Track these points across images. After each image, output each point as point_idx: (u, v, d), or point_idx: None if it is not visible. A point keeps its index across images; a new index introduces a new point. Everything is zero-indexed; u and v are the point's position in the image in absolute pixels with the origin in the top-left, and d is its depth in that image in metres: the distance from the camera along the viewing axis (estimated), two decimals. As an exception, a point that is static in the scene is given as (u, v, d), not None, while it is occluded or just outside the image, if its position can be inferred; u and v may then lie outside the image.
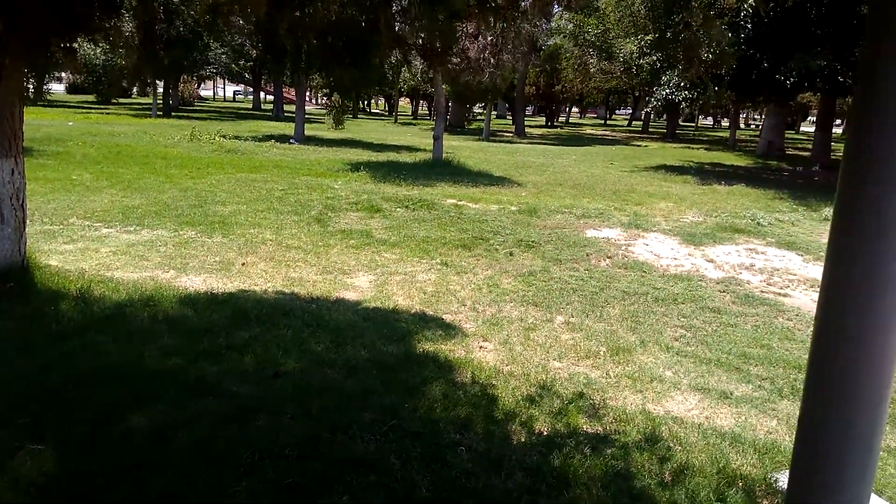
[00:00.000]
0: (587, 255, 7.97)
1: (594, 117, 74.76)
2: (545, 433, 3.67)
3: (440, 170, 15.70)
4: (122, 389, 3.91)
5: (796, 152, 30.69)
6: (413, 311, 5.76)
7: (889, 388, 1.63)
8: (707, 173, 19.11)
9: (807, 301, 6.85)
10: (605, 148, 28.48)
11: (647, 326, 5.68)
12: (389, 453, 3.33)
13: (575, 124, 58.15)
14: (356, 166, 15.27)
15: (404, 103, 65.40)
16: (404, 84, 44.63)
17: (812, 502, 1.58)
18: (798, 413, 4.05)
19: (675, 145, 32.96)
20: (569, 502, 2.99)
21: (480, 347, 5.00)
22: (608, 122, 64.00)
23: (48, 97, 34.34)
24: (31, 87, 6.46)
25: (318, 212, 9.74)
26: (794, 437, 3.87)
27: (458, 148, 22.97)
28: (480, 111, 47.19)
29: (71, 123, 23.43)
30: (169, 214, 9.07)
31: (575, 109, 68.67)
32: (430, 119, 52.25)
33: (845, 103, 30.11)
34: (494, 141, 29.87)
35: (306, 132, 23.40)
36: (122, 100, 45.72)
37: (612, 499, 3.04)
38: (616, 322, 5.75)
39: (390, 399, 3.94)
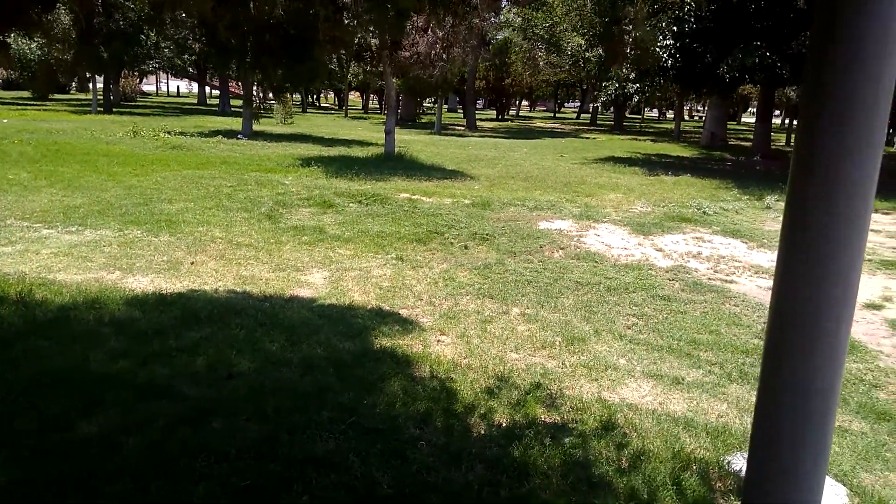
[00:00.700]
0: (541, 247, 8.05)
1: (543, 110, 75.51)
2: (504, 425, 3.70)
3: (393, 164, 15.61)
4: (69, 396, 3.77)
5: (738, 143, 31.63)
6: (369, 306, 5.72)
7: (840, 373, 1.68)
8: (654, 164, 19.52)
9: (752, 287, 7.06)
10: (555, 140, 28.80)
11: (600, 316, 5.77)
12: (349, 451, 3.30)
13: (525, 117, 58.66)
14: (307, 161, 15.06)
15: (354, 97, 64.82)
16: (354, 78, 44.22)
17: (769, 487, 1.62)
18: (752, 398, 4.19)
19: (622, 137, 33.57)
20: (529, 493, 3.02)
21: (438, 341, 5.00)
22: (557, 115, 64.75)
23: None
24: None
25: (269, 208, 9.58)
26: (743, 420, 4.00)
27: (411, 142, 22.88)
28: (431, 105, 47.15)
29: (6, 121, 22.46)
30: (113, 213, 8.79)
31: (525, 103, 69.23)
32: (380, 113, 51.94)
33: (784, 94, 31.13)
34: (446, 135, 29.88)
35: (254, 127, 22.96)
36: (60, 96, 44.00)
37: (571, 487, 3.08)
38: (570, 312, 5.82)
39: (348, 396, 3.90)
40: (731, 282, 7.21)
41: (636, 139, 32.55)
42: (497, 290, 6.33)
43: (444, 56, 14.96)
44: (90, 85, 34.47)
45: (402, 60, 14.73)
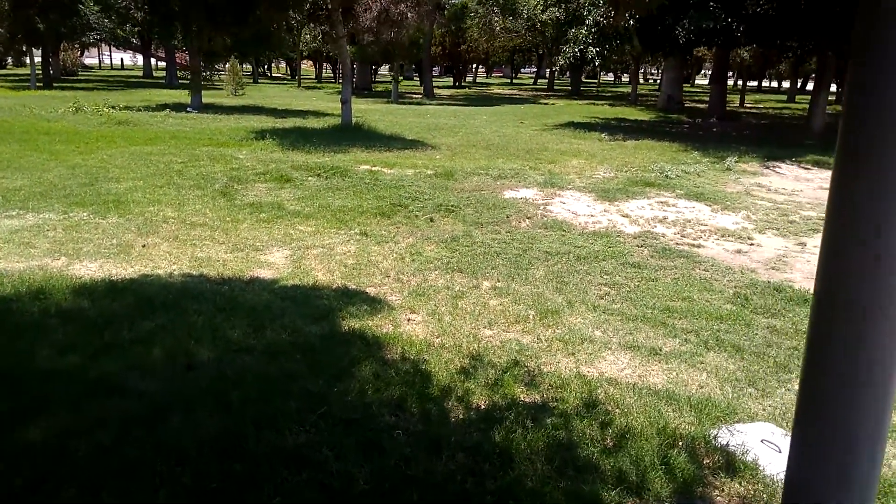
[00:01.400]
0: (507, 217, 7.89)
1: (500, 76, 75.04)
2: (483, 407, 3.54)
3: (351, 135, 15.20)
4: (13, 395, 3.48)
5: (694, 105, 31.86)
6: (334, 286, 5.48)
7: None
8: (614, 129, 19.48)
9: (719, 251, 7.04)
10: (514, 107, 28.56)
11: (572, 286, 5.65)
12: (321, 445, 3.11)
13: (482, 84, 58.17)
14: (261, 134, 14.54)
15: (307, 66, 63.29)
16: (306, 47, 43.07)
17: (817, 486, 1.47)
18: (730, 366, 4.11)
19: (580, 102, 33.50)
20: (514, 481, 2.87)
21: (408, 320, 4.81)
22: (514, 80, 64.38)
23: None
24: None
25: (224, 184, 9.18)
26: (724, 390, 3.93)
27: (368, 111, 22.39)
28: (387, 73, 46.29)
29: (-66, 98, 21.17)
30: (56, 195, 8.29)
31: (481, 69, 68.63)
32: (335, 82, 50.84)
33: (738, 55, 31.36)
34: (403, 103, 29.36)
35: (204, 99, 22.13)
36: (-6, 70, 41.79)
37: (557, 472, 2.95)
38: (542, 284, 5.69)
39: (317, 384, 3.69)
40: (699, 246, 7.17)
41: (594, 103, 32.53)
42: (466, 263, 6.16)
43: (401, 19, 14.46)
44: (27, 59, 32.75)
45: (359, 25, 14.22)
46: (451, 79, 53.76)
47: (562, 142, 15.72)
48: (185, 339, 4.23)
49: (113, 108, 19.23)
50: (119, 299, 4.89)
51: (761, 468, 3.06)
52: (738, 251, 7.06)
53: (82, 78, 42.20)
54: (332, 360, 4.00)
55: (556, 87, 47.78)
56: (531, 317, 4.93)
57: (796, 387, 4.03)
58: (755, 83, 55.82)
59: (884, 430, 1.57)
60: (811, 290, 5.76)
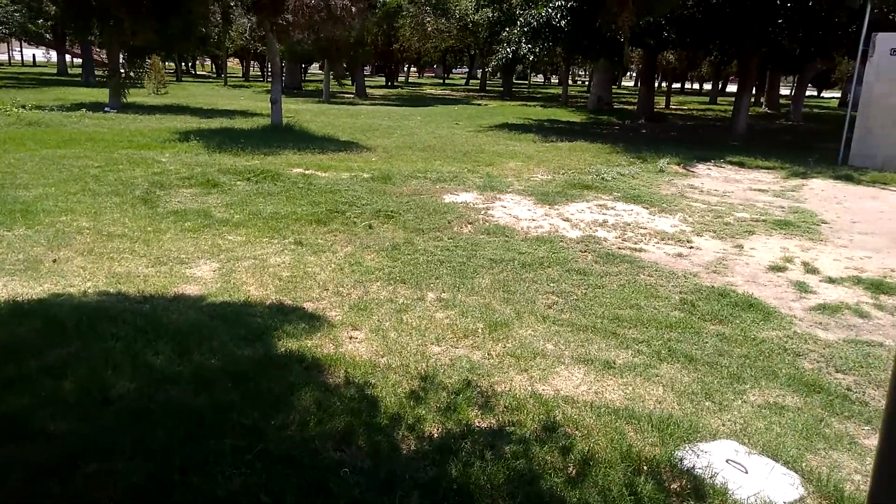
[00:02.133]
0: (449, 223, 7.66)
1: (432, 76, 74.96)
2: (437, 436, 3.29)
3: (281, 136, 14.66)
4: None
5: (622, 106, 32.57)
6: (268, 301, 5.11)
7: None
8: (547, 130, 19.58)
9: (661, 255, 7.01)
10: (447, 108, 28.43)
11: (519, 296, 5.47)
12: (259, 489, 2.78)
13: (414, 84, 57.92)
14: (185, 135, 13.83)
15: (234, 64, 61.46)
16: (232, 44, 41.75)
17: None
18: (685, 378, 3.93)
19: (512, 103, 33.70)
20: (477, 522, 2.63)
21: (351, 338, 4.50)
22: (446, 81, 64.41)
23: None
24: None
25: (145, 191, 8.59)
26: (682, 405, 3.80)
27: (299, 111, 21.78)
28: (318, 72, 45.41)
29: None
30: (-47, 204, 7.54)
31: (413, 69, 68.34)
32: (263, 81, 49.51)
33: (664, 58, 32.21)
34: (335, 103, 28.78)
35: (123, 99, 20.99)
36: None
37: (521, 509, 2.73)
38: (488, 293, 5.48)
39: (253, 417, 3.35)
40: (641, 250, 7.13)
41: (526, 105, 32.79)
42: (409, 273, 5.89)
43: (343, 15, 13.99)
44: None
45: (298, 20, 13.68)
46: (384, 78, 53.23)
47: (498, 143, 15.64)
48: (101, 368, 3.79)
49: (23, 107, 17.96)
50: (25, 323, 4.39)
51: (730, 492, 2.93)
52: (679, 255, 7.06)
53: (-12, 74, 39.55)
54: (269, 388, 3.66)
55: (488, 88, 48.01)
56: (480, 330, 4.71)
57: (752, 398, 3.96)
58: (679, 85, 57.65)
59: None
60: (754, 295, 5.79)
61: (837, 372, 4.36)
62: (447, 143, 15.23)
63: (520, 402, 3.68)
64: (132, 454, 3.01)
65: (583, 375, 4.13)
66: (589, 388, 3.97)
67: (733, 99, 27.15)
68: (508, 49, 20.75)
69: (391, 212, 7.96)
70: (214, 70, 62.18)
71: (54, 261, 5.81)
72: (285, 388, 3.66)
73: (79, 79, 37.62)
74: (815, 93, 58.05)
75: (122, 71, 20.41)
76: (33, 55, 67.27)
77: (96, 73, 36.77)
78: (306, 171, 10.46)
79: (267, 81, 46.91)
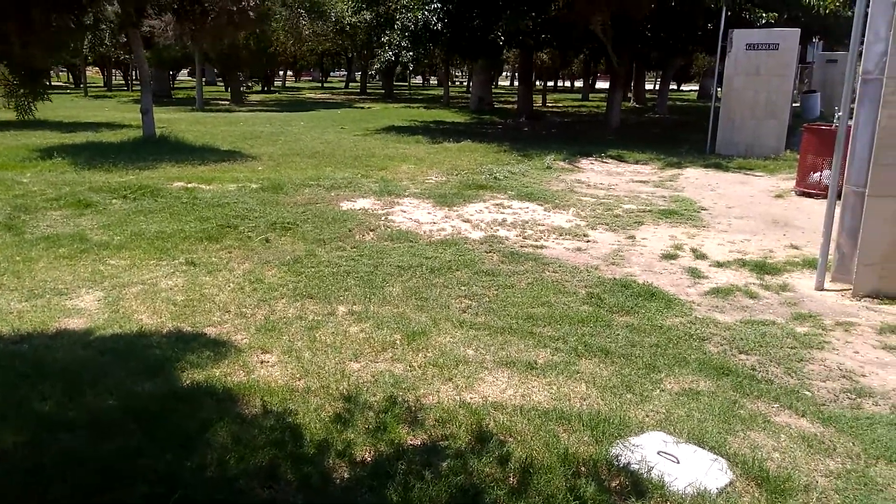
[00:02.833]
0: (350, 231, 7.44)
1: (310, 80, 73.52)
2: (370, 460, 3.13)
3: (156, 148, 13.78)
4: None
5: (502, 105, 33.33)
6: (165, 330, 4.72)
7: None
8: (434, 132, 19.65)
9: (561, 250, 7.15)
10: (330, 112, 27.91)
11: (432, 302, 5.38)
12: (183, 544, 2.52)
13: (292, 88, 56.50)
14: (47, 152, 12.66)
15: (93, 73, 57.38)
16: (90, 52, 38.94)
17: None
18: (604, 372, 3.98)
19: (395, 105, 33.63)
20: (427, 550, 2.51)
21: (262, 362, 4.23)
22: (325, 84, 63.37)
23: None
24: None
25: (7, 215, 7.75)
26: (606, 399, 3.85)
27: (172, 121, 20.59)
28: (188, 78, 43.31)
29: None
30: None
31: (290, 73, 66.69)
32: (127, 90, 46.57)
33: (538, 57, 33.27)
34: (211, 110, 27.50)
35: (-31, 114, 18.96)
36: None
37: (470, 529, 2.63)
38: (401, 302, 5.35)
39: (165, 460, 3.05)
40: (542, 247, 7.25)
41: (409, 107, 32.80)
42: (315, 287, 5.64)
43: (241, 21, 13.27)
44: None
45: (199, 24, 12.87)
46: (259, 83, 51.52)
47: (387, 147, 15.49)
48: (-24, 424, 3.33)
49: None
50: None
51: (667, 484, 2.98)
52: (578, 249, 7.24)
53: None
54: (178, 427, 3.35)
55: (369, 91, 47.68)
56: (398, 341, 4.58)
57: (669, 386, 4.08)
58: (552, 83, 59.85)
59: None
60: (653, 283, 6.02)
61: (741, 353, 4.59)
62: (336, 148, 14.91)
63: (449, 413, 3.58)
64: (26, 521, 2.64)
65: (507, 379, 4.09)
66: (515, 391, 3.94)
67: (605, 95, 28.52)
68: (389, 52, 20.62)
69: (288, 223, 7.63)
70: (71, 80, 57.70)
71: None
72: (197, 425, 3.37)
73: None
74: (676, 86, 62.14)
75: None
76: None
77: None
78: (189, 185, 9.86)
79: (133, 90, 44.20)
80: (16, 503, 2.73)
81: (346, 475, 3.00)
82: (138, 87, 22.46)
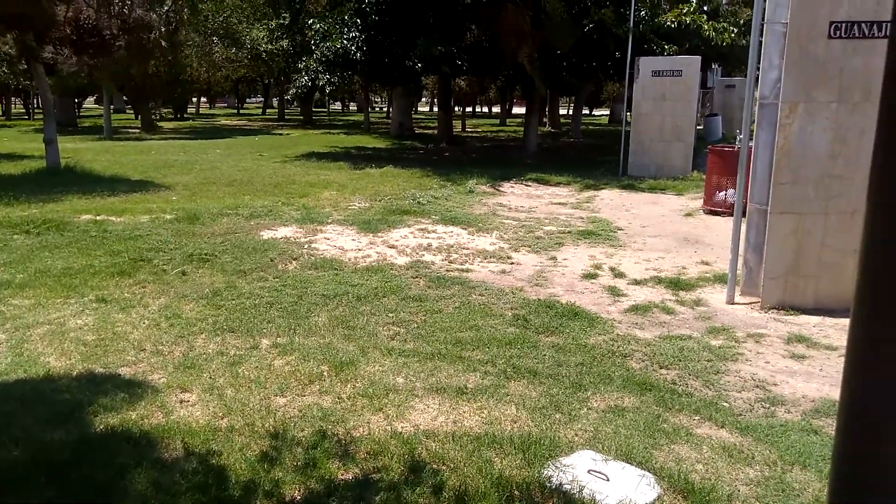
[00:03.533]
0: (272, 261, 7.27)
1: (225, 107, 71.98)
2: (299, 499, 3.03)
3: (62, 179, 13.11)
4: None
5: (422, 131, 33.63)
6: (75, 372, 4.44)
7: None
8: (356, 157, 19.59)
9: (487, 273, 7.23)
10: (247, 139, 27.38)
11: (359, 331, 5.31)
12: None
13: (207, 115, 55.14)
14: (-62, 186, 11.83)
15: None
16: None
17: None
18: (532, 393, 4.01)
19: (315, 131, 33.36)
20: (363, 589, 2.44)
21: (182, 402, 4.04)
22: (241, 111, 62.17)
23: None
24: None
25: None
26: (536, 420, 3.89)
27: (79, 150, 19.66)
28: (94, 105, 41.57)
29: None
30: None
31: (204, 100, 65.09)
32: (28, 119, 44.24)
33: (456, 84, 33.85)
34: (120, 139, 26.44)
35: None
36: None
37: (407, 563, 2.58)
38: (327, 332, 5.25)
39: (77, 515, 2.85)
40: (468, 270, 7.30)
41: (329, 132, 32.63)
42: (236, 320, 5.46)
43: (152, 47, 12.82)
44: None
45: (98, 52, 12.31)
46: (172, 110, 49.98)
47: (308, 173, 15.31)
48: None
49: None
50: None
51: (598, 503, 3.02)
52: (503, 271, 7.34)
53: None
54: (93, 476, 3.15)
55: (287, 117, 47.11)
56: (325, 373, 4.48)
57: (595, 404, 4.16)
58: (471, 109, 60.96)
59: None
60: (576, 303, 6.17)
61: (661, 368, 4.74)
62: (254, 175, 14.61)
63: (381, 444, 3.52)
64: None
65: (438, 406, 4.07)
66: (447, 418, 3.92)
67: (522, 120, 29.27)
68: (306, 78, 20.50)
69: (205, 254, 7.39)
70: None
71: None
72: (113, 473, 3.17)
73: None
74: (588, 111, 64.51)
75: None
76: None
77: None
78: (97, 217, 9.41)
79: (34, 119, 41.98)
80: None
81: (275, 516, 2.90)
82: (41, 116, 21.39)
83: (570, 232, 9.49)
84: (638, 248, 8.60)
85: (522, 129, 25.47)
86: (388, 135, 30.76)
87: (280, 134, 31.06)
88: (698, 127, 21.38)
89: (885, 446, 1.15)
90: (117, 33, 13.11)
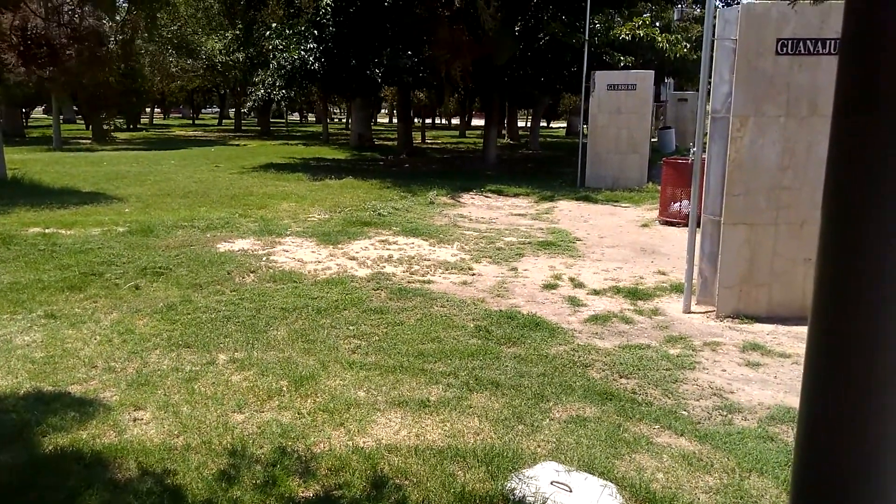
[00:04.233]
0: (229, 274, 7.14)
1: (180, 117, 70.73)
2: (260, 518, 2.96)
3: (8, 191, 12.67)
4: None
5: (382, 142, 33.59)
6: (22, 391, 4.27)
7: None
8: (315, 169, 19.44)
9: (448, 284, 7.23)
10: (203, 149, 26.92)
11: (320, 344, 5.24)
12: None
13: (161, 126, 54.08)
14: None
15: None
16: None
17: None
18: (495, 405, 4.01)
19: (273, 142, 33.01)
20: None
21: (135, 420, 3.92)
22: (196, 122, 61.16)
23: None
24: None
25: None
26: (499, 433, 3.89)
27: (27, 161, 19.05)
28: (44, 115, 40.37)
29: None
30: None
31: (158, 110, 63.81)
32: (-27, 128, 42.60)
33: (415, 95, 33.94)
34: (71, 150, 25.70)
35: None
36: None
37: (370, 582, 2.53)
38: (286, 346, 5.17)
39: (24, 541, 2.73)
40: (429, 282, 7.29)
41: (288, 143, 32.31)
42: (192, 335, 5.33)
43: (109, 58, 12.48)
44: None
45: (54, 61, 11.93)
46: (125, 121, 48.84)
47: (266, 185, 15.12)
48: None
49: None
50: None
51: (562, 514, 3.03)
52: (464, 283, 7.34)
53: None
54: (41, 500, 3.02)
55: (244, 128, 46.49)
56: (285, 388, 4.40)
57: (557, 415, 4.18)
58: (430, 120, 61.17)
59: None
60: (537, 313, 6.21)
61: (621, 377, 4.80)
62: (210, 187, 14.36)
63: (342, 460, 3.47)
64: None
65: (400, 419, 4.04)
66: (409, 431, 3.88)
67: (481, 132, 29.49)
68: (263, 90, 20.29)
69: (160, 268, 7.21)
70: None
71: None
72: (63, 497, 3.05)
73: None
74: (546, 123, 65.37)
75: None
76: None
77: None
78: (46, 230, 9.12)
79: (-22, 128, 40.48)
80: None
81: (234, 537, 2.82)
82: (-15, 125, 20.73)
83: (530, 243, 9.56)
84: (597, 259, 8.71)
85: (482, 140, 25.65)
86: (347, 146, 30.62)
87: (237, 145, 30.63)
88: (653, 139, 21.87)
89: (843, 453, 1.18)
90: (68, 42, 12.76)
